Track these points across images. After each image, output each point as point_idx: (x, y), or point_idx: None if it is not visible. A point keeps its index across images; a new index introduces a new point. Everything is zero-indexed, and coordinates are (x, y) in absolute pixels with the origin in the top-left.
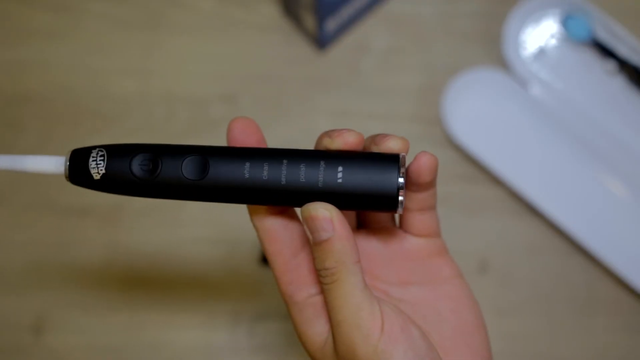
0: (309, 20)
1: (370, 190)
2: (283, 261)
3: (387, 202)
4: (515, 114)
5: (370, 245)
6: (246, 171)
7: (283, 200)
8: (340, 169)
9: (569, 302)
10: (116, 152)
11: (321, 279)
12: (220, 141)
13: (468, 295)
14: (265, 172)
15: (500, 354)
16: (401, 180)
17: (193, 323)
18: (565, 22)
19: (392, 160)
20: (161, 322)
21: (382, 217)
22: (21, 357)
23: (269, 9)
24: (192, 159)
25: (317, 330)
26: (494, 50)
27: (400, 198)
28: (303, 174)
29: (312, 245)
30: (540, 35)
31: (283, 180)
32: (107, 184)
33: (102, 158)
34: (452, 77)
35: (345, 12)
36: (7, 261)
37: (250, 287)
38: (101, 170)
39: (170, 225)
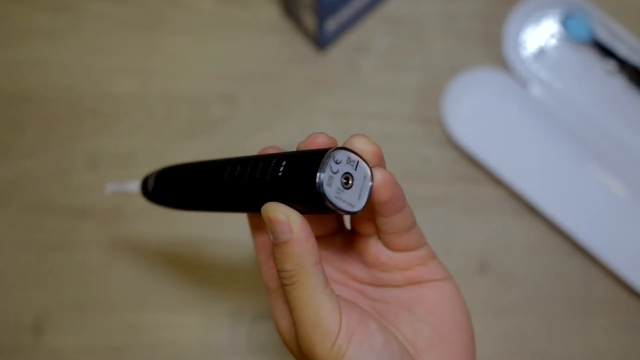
0: (309, 20)
1: (300, 181)
2: (266, 253)
3: (312, 195)
4: (515, 114)
5: (349, 248)
6: (226, 175)
7: (245, 197)
8: (284, 163)
9: (568, 302)
10: (162, 172)
11: (282, 280)
12: (220, 140)
13: (449, 297)
14: (237, 172)
15: (499, 354)
16: (327, 173)
17: (193, 323)
18: (565, 22)
19: (322, 152)
20: (161, 322)
21: (366, 227)
22: (21, 357)
23: (269, 9)
24: (193, 176)
25: (286, 319)
26: (494, 50)
27: (324, 194)
28: (259, 170)
29: (273, 246)
30: (540, 35)
31: (245, 178)
32: (155, 196)
33: (154, 176)
34: (452, 77)
35: (345, 12)
36: (7, 261)
37: (250, 287)
38: (152, 186)
39: (170, 225)
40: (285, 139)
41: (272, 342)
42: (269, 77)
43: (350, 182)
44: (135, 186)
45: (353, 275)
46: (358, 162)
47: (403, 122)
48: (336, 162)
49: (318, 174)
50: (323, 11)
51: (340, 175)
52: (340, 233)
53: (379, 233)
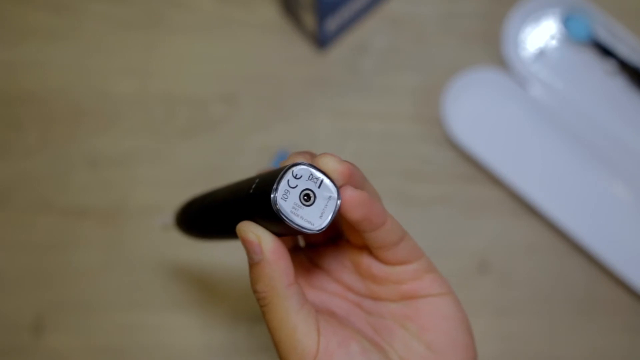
0: (309, 20)
1: (260, 195)
2: None
3: (267, 207)
4: (515, 114)
5: (346, 258)
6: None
7: (231, 217)
8: (257, 180)
9: (568, 302)
10: (187, 202)
11: (257, 300)
12: (220, 140)
13: (445, 313)
14: (228, 193)
15: (500, 354)
16: (282, 186)
17: (192, 323)
18: (565, 22)
19: (281, 169)
20: (160, 323)
21: (357, 238)
22: (21, 357)
23: (269, 9)
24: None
25: None
26: (494, 50)
27: (278, 207)
28: (240, 189)
29: (248, 265)
30: (540, 35)
31: (231, 198)
32: (180, 227)
33: (180, 208)
34: (452, 77)
35: (345, 12)
36: (7, 261)
37: (250, 288)
38: (178, 217)
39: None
40: (285, 139)
41: (272, 342)
42: (269, 77)
43: (311, 199)
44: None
45: (350, 287)
46: (322, 180)
47: (403, 122)
48: (295, 177)
49: (273, 186)
50: (323, 11)
51: (300, 191)
52: (338, 242)
53: (371, 248)
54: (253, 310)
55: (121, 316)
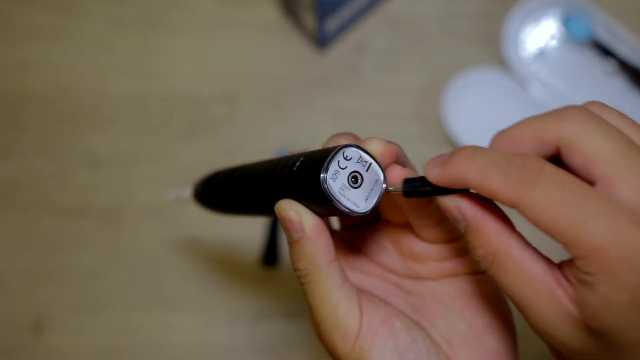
0: (309, 20)
1: (308, 173)
2: None
3: (316, 187)
4: (515, 114)
5: (384, 239)
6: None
7: (267, 194)
8: (301, 159)
9: None
10: (208, 175)
11: (298, 278)
12: (220, 140)
13: (485, 290)
14: (264, 170)
15: None
16: (332, 166)
17: (192, 323)
18: (565, 22)
19: (332, 149)
20: (161, 322)
21: (398, 216)
22: (21, 357)
23: (269, 9)
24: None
25: None
26: (494, 50)
27: (327, 186)
28: (281, 166)
29: (288, 243)
30: (540, 35)
31: (268, 174)
32: (201, 200)
33: (202, 180)
34: (452, 77)
35: (345, 12)
36: (7, 261)
37: (250, 287)
38: (199, 190)
39: (170, 225)
40: (285, 138)
41: (272, 342)
42: (269, 77)
43: (359, 181)
44: (189, 191)
45: (389, 268)
46: (371, 164)
47: (403, 122)
48: (345, 159)
49: (324, 165)
50: (323, 11)
51: (348, 173)
52: (377, 223)
53: (412, 224)
54: (253, 309)
55: (121, 316)
